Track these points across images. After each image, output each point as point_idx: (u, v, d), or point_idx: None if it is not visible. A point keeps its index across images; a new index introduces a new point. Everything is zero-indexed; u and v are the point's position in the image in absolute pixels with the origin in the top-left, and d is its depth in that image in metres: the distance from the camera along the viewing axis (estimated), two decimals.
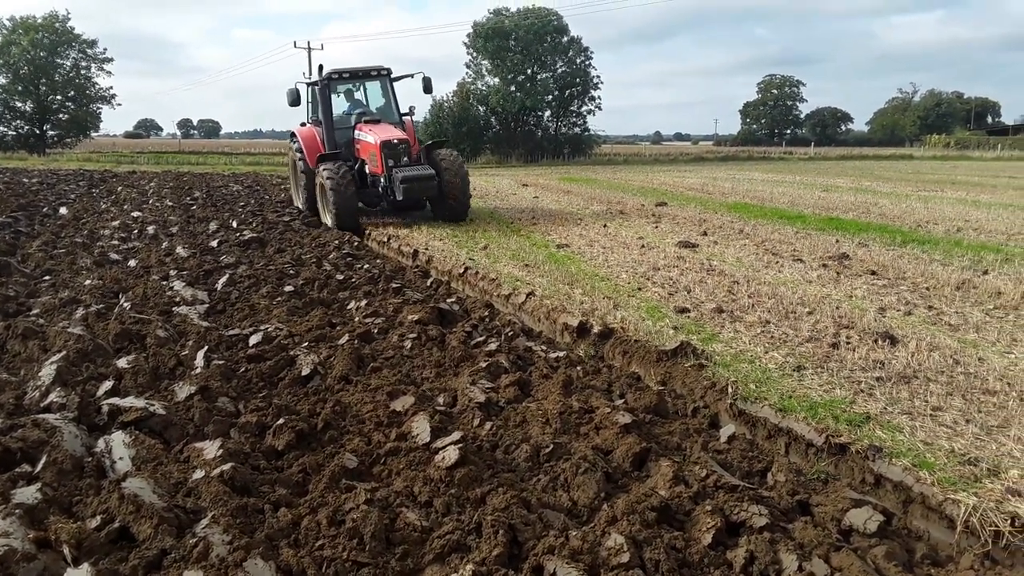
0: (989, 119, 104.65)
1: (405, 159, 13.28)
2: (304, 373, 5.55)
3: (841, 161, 46.55)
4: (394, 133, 13.60)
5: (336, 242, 11.72)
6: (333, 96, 15.10)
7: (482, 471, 3.86)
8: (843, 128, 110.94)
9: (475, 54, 47.20)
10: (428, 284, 8.89)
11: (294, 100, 14.99)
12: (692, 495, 3.64)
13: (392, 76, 15.40)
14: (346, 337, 6.40)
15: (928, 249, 10.40)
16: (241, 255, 10.72)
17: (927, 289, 7.94)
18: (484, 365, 5.67)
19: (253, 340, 6.35)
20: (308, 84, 15.43)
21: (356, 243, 11.86)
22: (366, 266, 9.88)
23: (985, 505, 3.47)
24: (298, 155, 15.35)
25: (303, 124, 15.75)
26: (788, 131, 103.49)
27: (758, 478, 4.09)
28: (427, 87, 15.43)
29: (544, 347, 6.43)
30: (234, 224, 13.83)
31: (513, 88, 45.68)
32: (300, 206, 16.08)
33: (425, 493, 3.66)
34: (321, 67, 14.54)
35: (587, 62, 48.75)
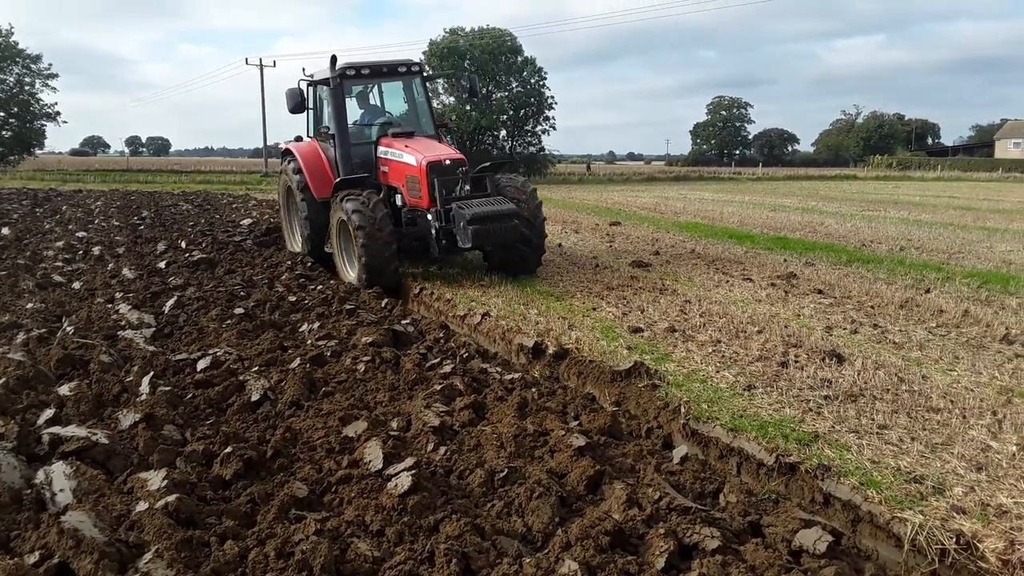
0: (929, 140, 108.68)
1: (467, 188, 9.85)
2: (254, 399, 5.44)
3: (788, 181, 47.69)
4: (443, 151, 10.18)
5: (289, 263, 11.55)
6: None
7: (435, 498, 3.82)
8: (790, 149, 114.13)
9: (431, 73, 47.42)
10: (383, 305, 8.81)
11: (297, 104, 11.35)
12: (645, 518, 3.65)
13: (425, 74, 11.95)
14: (298, 361, 6.30)
15: (873, 268, 10.68)
16: (190, 276, 10.50)
17: (872, 307, 8.14)
18: (438, 388, 5.62)
19: (201, 365, 6.21)
20: (312, 83, 11.70)
21: (310, 263, 11.60)
22: (319, 287, 9.75)
23: (931, 523, 3.54)
24: (296, 180, 11.47)
25: (298, 138, 12.35)
26: (737, 151, 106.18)
27: (710, 499, 4.12)
28: (473, 90, 12.13)
29: (499, 369, 6.41)
30: (183, 244, 13.54)
31: (468, 107, 45.90)
32: (297, 249, 12.38)
33: (377, 522, 3.60)
34: (334, 59, 10.82)
35: (541, 82, 49.40)
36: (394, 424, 5.02)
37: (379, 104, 12.24)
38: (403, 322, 7.91)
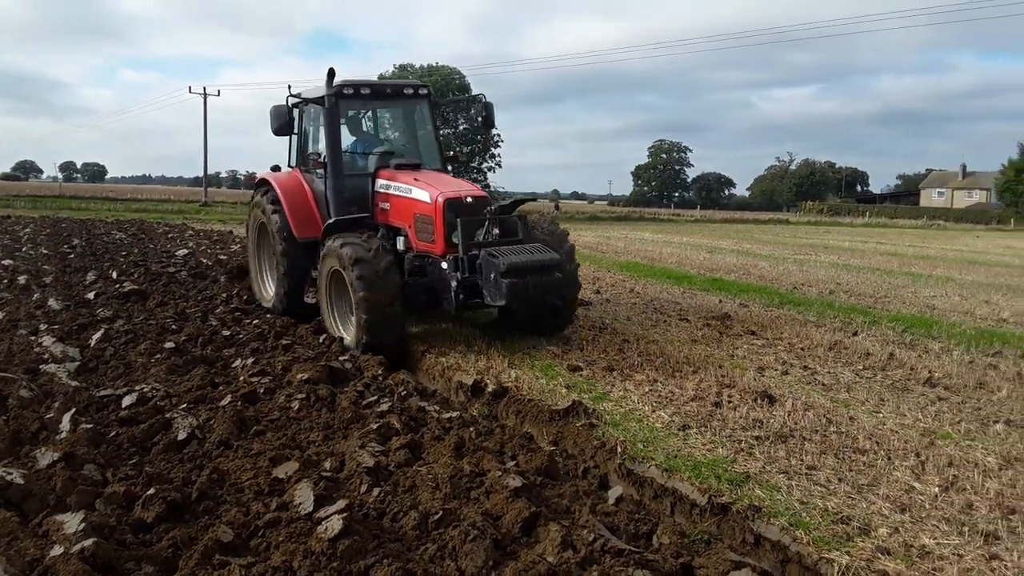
0: (858, 188, 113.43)
1: (495, 232, 8.11)
2: (180, 438, 5.25)
3: (724, 224, 48.99)
4: (462, 186, 8.56)
5: (224, 295, 11.28)
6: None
7: (367, 541, 3.73)
8: (726, 192, 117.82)
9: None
10: (320, 341, 8.66)
11: (283, 124, 9.51)
12: (580, 560, 3.63)
13: (433, 99, 10.50)
14: (229, 398, 6.13)
15: (803, 310, 10.99)
16: (119, 308, 10.17)
17: (802, 349, 8.36)
18: (375, 427, 5.52)
19: (126, 401, 5.98)
20: (301, 101, 9.84)
21: (246, 296, 11.34)
22: (255, 321, 9.54)
23: (857, 564, 3.62)
24: (274, 216, 9.68)
25: (275, 168, 10.52)
26: (676, 194, 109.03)
27: (644, 540, 4.12)
28: (490, 119, 10.18)
29: (437, 407, 6.34)
30: (114, 275, 13.11)
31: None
32: (270, 300, 10.34)
33: (305, 567, 3.49)
34: (332, 72, 8.84)
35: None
36: (327, 465, 4.91)
37: (373, 132, 10.73)
38: (341, 358, 7.77)
